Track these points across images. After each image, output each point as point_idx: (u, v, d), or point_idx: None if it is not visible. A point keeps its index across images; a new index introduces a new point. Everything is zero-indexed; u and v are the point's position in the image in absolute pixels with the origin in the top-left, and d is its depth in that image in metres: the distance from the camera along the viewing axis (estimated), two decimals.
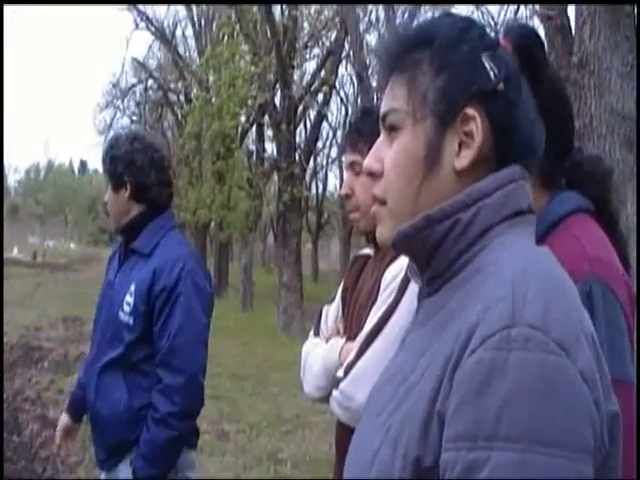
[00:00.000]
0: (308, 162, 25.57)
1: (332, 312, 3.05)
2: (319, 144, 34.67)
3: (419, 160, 1.38)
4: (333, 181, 55.51)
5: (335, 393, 2.60)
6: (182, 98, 36.91)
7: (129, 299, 3.50)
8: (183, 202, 27.47)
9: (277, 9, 22.40)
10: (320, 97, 25.94)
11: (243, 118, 28.09)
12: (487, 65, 1.37)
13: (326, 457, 8.14)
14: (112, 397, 3.51)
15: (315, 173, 46.15)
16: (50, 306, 22.12)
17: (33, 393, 10.97)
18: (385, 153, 1.44)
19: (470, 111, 1.36)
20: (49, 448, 8.24)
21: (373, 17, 24.39)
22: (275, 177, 27.52)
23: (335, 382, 2.62)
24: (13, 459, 8.02)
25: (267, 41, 22.05)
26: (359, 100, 40.30)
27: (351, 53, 20.18)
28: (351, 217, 2.84)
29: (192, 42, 37.02)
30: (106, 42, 61.99)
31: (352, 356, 2.56)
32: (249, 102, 24.00)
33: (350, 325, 2.83)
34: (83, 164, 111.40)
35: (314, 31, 25.05)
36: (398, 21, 16.58)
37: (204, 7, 32.87)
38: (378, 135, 1.50)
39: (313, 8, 24.28)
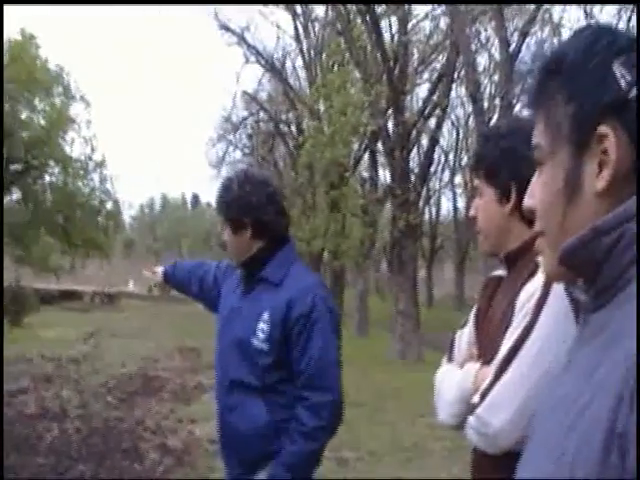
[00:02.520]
0: (422, 187, 25.37)
1: (465, 336, 2.97)
2: (431, 169, 34.45)
3: (559, 191, 1.35)
4: (446, 205, 55.25)
5: (471, 419, 2.50)
6: (294, 129, 37.05)
7: (263, 326, 3.65)
8: (297, 233, 27.46)
9: (387, 35, 22.33)
10: (432, 121, 25.70)
11: (355, 146, 28.10)
12: (617, 73, 1.27)
13: None
14: (250, 413, 3.67)
15: (428, 198, 45.81)
16: (166, 337, 22.27)
17: (153, 423, 10.94)
18: (536, 189, 1.45)
19: (603, 129, 1.26)
20: (170, 476, 8.33)
21: (483, 37, 24.27)
22: (388, 204, 27.40)
23: (470, 408, 2.51)
24: None
25: (378, 67, 21.97)
26: (471, 122, 39.95)
27: (462, 75, 19.96)
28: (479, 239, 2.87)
29: (302, 73, 37.21)
30: (217, 77, 63.11)
31: (488, 381, 2.47)
32: (361, 129, 23.95)
33: (484, 349, 2.73)
34: (196, 197, 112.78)
35: (424, 56, 24.95)
36: (512, 45, 16.16)
37: (313, 37, 33.05)
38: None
39: (422, 33, 24.23)
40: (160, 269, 4.77)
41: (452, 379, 2.72)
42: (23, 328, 24.03)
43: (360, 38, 22.72)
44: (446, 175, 50.63)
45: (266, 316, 3.64)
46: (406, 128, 20.84)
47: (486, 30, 23.79)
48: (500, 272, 2.90)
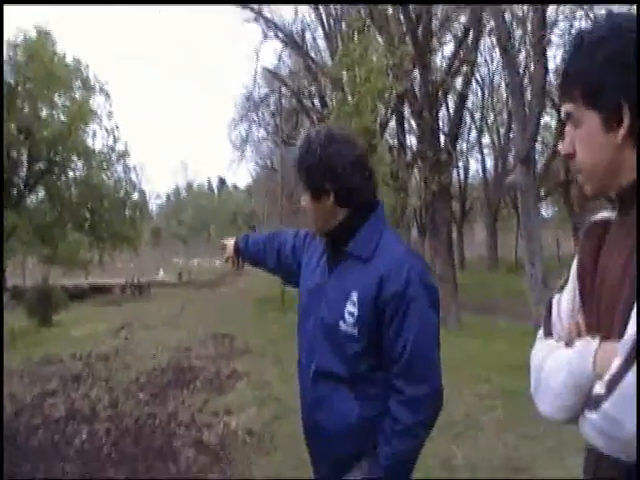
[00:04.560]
0: (454, 147, 24.84)
1: (566, 302, 2.32)
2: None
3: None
4: (474, 166, 54.89)
5: (594, 417, 1.88)
6: (317, 102, 36.56)
7: (351, 309, 3.25)
8: None
9: None
10: (459, 80, 25.12)
11: (382, 112, 27.47)
12: None
13: (504, 461, 7.76)
14: (340, 409, 3.32)
15: (455, 159, 45.40)
16: (198, 325, 21.76)
17: (187, 417, 10.34)
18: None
19: None
20: (208, 475, 7.80)
21: None
22: (415, 168, 27.00)
23: (591, 401, 1.90)
24: None
25: (400, 29, 21.38)
26: (496, 80, 39.00)
27: (488, 29, 19.28)
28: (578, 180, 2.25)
29: (322, 44, 36.63)
30: (236, 55, 62.68)
31: (616, 366, 1.82)
32: (386, 94, 23.38)
33: (598, 318, 2.10)
34: (222, 181, 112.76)
35: (448, 12, 24.29)
36: None
37: (332, 7, 32.42)
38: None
39: None
40: (231, 242, 4.45)
41: (559, 360, 2.08)
42: (54, 327, 23.60)
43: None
44: (473, 136, 50.01)
45: (355, 296, 3.23)
46: (434, 87, 20.30)
47: None
48: (605, 214, 2.28)
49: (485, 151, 52.25)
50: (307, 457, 3.62)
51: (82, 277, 40.88)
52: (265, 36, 35.56)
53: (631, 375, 1.76)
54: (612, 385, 1.81)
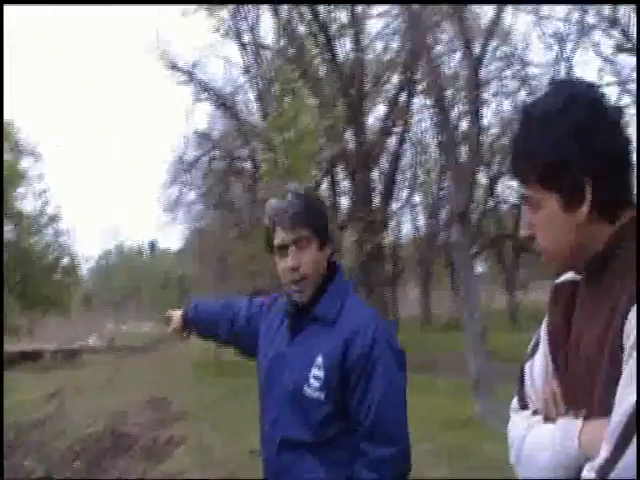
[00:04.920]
0: (387, 208, 25.08)
1: (539, 367, 2.27)
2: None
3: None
4: (405, 225, 55.39)
5: None
6: (249, 164, 36.68)
7: (317, 373, 3.19)
8: (259, 268, 27.05)
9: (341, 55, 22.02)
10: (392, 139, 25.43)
11: (315, 173, 27.64)
12: None
13: None
14: (305, 475, 3.20)
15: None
16: (133, 390, 21.41)
17: None
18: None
19: None
20: None
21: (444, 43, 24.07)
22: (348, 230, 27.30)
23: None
24: None
25: (333, 90, 21.56)
26: (428, 137, 39.50)
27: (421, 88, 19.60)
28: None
29: (254, 106, 36.82)
30: (167, 117, 62.79)
31: (606, 452, 1.79)
32: (319, 157, 23.48)
33: (575, 385, 2.04)
34: (152, 244, 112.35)
35: (380, 73, 24.58)
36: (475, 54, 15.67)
37: (264, 68, 32.68)
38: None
39: (376, 52, 23.92)
40: (178, 313, 4.21)
41: (542, 438, 2.04)
42: None
43: (313, 62, 22.42)
44: (403, 195, 50.49)
45: (320, 360, 3.19)
46: (368, 148, 20.48)
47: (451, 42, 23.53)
48: (569, 276, 2.25)
49: (416, 210, 52.80)
50: None
51: (11, 343, 40.30)
52: (197, 98, 35.72)
53: (623, 463, 1.73)
54: (603, 472, 1.77)
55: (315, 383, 3.17)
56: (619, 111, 1.99)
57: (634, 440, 1.71)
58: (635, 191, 1.96)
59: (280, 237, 3.27)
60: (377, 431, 3.09)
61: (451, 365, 21.17)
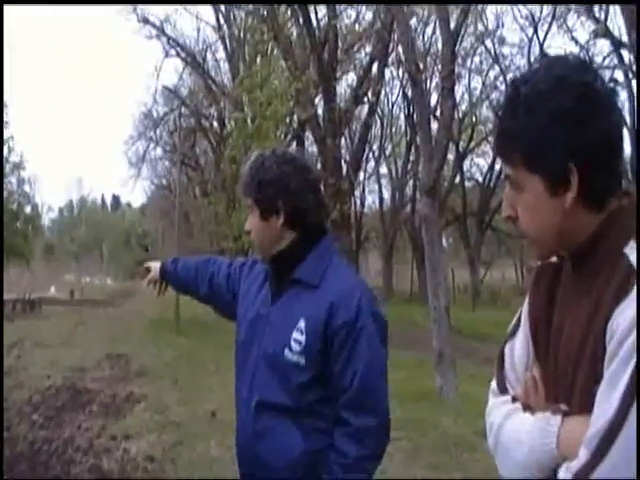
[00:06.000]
0: (355, 176, 24.97)
1: (519, 350, 2.21)
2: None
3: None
4: (370, 196, 55.19)
5: None
6: (216, 123, 36.45)
7: (298, 336, 3.15)
8: (223, 229, 26.94)
9: (314, 21, 21.84)
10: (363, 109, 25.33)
11: (283, 137, 27.52)
12: None
13: None
14: (282, 442, 3.19)
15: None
16: (93, 344, 21.34)
17: (84, 441, 10.00)
18: None
19: None
20: None
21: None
22: None
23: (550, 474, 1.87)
24: None
25: (305, 55, 21.45)
26: (395, 109, 39.46)
27: (402, 56, 19.44)
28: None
29: (224, 65, 36.53)
30: (136, 72, 62.20)
31: (585, 456, 1.76)
32: (288, 119, 23.42)
33: (555, 375, 2.02)
34: (116, 199, 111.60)
35: (353, 41, 24.46)
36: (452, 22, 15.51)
37: (235, 27, 32.37)
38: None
39: (353, 16, 23.82)
40: (156, 264, 4.19)
41: (519, 430, 2.00)
42: None
43: (286, 25, 22.29)
44: (370, 166, 50.37)
45: (302, 324, 3.16)
46: (338, 115, 20.38)
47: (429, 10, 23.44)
48: (553, 259, 2.14)
49: (383, 182, 52.67)
50: None
51: None
52: (166, 54, 35.44)
53: (599, 470, 1.72)
54: (581, 477, 1.77)
55: (296, 347, 3.15)
56: (611, 95, 1.90)
57: (613, 448, 1.70)
58: (625, 179, 1.94)
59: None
60: (360, 401, 3.08)
61: (412, 339, 21.28)
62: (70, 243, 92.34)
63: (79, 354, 19.24)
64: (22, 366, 16.95)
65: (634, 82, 24.54)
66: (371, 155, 48.04)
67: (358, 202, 52.23)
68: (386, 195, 52.34)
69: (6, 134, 41.88)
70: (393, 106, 46.40)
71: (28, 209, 44.31)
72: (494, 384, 2.22)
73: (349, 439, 3.07)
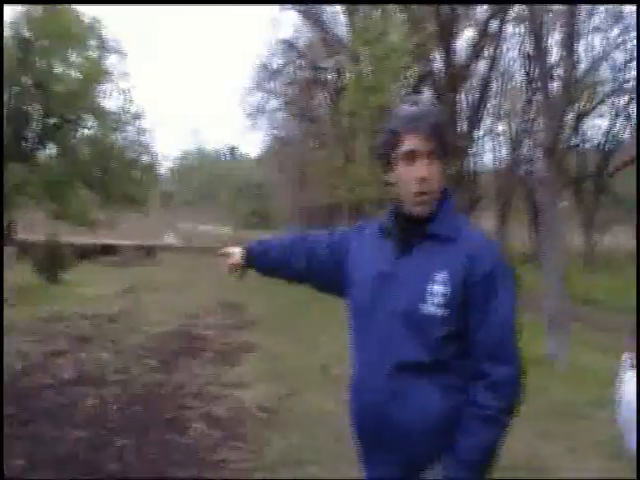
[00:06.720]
0: (472, 133, 24.69)
1: None
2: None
3: None
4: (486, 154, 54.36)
5: None
6: (332, 76, 36.38)
7: (438, 289, 3.00)
8: (338, 181, 26.91)
9: None
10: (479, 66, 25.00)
11: (400, 91, 27.34)
12: None
13: None
14: (419, 402, 3.03)
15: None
16: (206, 292, 21.68)
17: (195, 388, 10.24)
18: None
19: None
20: (221, 453, 7.51)
21: None
22: None
23: None
24: (180, 463, 7.19)
25: (425, 9, 21.24)
26: (516, 65, 38.99)
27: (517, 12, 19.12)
28: None
29: (342, 18, 36.35)
30: (253, 24, 62.24)
31: None
32: (405, 74, 23.22)
33: None
34: (232, 149, 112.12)
35: None
36: None
37: None
38: None
39: None
40: (235, 249, 3.91)
41: None
42: (61, 285, 23.46)
43: None
44: (487, 123, 49.71)
45: (441, 277, 3.01)
46: (457, 70, 20.15)
47: None
48: None
49: (498, 140, 51.85)
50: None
51: (91, 237, 40.69)
52: (283, 7, 35.43)
53: None
54: None
55: (434, 299, 3.02)
56: None
57: None
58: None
59: (412, 144, 3.10)
60: (499, 352, 3.00)
61: (524, 300, 21.16)
62: (186, 192, 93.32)
63: (193, 301, 19.61)
64: (137, 311, 17.31)
65: None
66: (486, 113, 47.51)
67: (473, 160, 51.80)
68: (503, 153, 51.63)
69: (126, 85, 42.56)
70: (511, 63, 45.70)
71: (146, 158, 44.87)
72: (626, 356, 2.17)
73: (490, 391, 2.98)
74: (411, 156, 3.10)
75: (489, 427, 2.97)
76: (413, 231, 3.17)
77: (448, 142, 3.18)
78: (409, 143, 3.10)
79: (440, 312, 3.00)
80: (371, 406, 3.18)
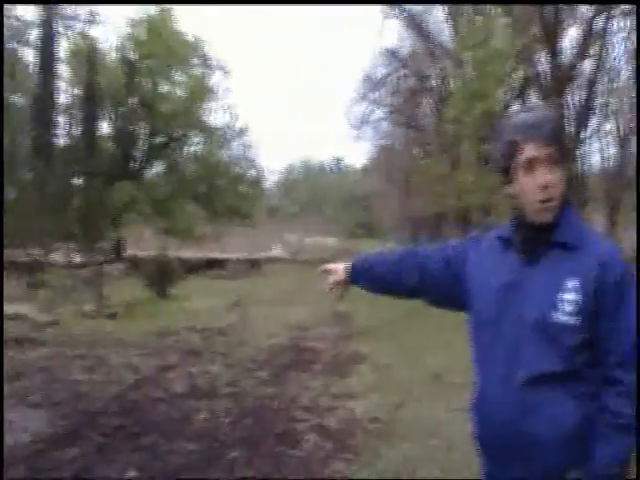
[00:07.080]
0: (579, 134, 24.29)
1: None
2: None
3: None
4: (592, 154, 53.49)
5: None
6: (437, 84, 36.30)
7: (569, 297, 2.94)
8: (447, 189, 26.76)
9: None
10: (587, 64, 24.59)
11: (505, 96, 27.09)
12: None
13: None
14: (554, 412, 2.97)
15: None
16: (314, 303, 21.65)
17: (306, 400, 10.21)
18: None
19: None
20: (332, 465, 7.45)
21: None
22: None
23: None
24: (292, 475, 7.17)
25: (529, 11, 20.98)
26: (622, 62, 38.20)
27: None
28: None
29: (445, 25, 36.26)
30: (355, 35, 62.45)
31: None
32: (509, 78, 22.99)
33: None
34: (337, 160, 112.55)
35: None
36: None
37: None
38: None
39: None
40: (337, 266, 3.82)
41: None
42: (169, 299, 23.74)
43: None
44: (593, 122, 48.91)
45: (572, 284, 2.95)
46: (563, 72, 19.85)
47: None
48: None
49: (606, 139, 50.97)
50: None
51: (196, 250, 41.22)
52: (386, 16, 35.42)
53: None
54: None
55: (567, 308, 2.97)
56: None
57: None
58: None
59: (531, 152, 3.01)
60: (630, 359, 2.94)
61: None
62: (292, 205, 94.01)
63: (301, 312, 19.60)
64: (245, 325, 17.38)
65: None
66: (592, 112, 46.77)
67: (582, 161, 51.05)
68: (610, 153, 50.81)
69: (230, 102, 43.14)
70: (617, 60, 44.80)
71: (251, 173, 45.43)
72: None
73: (623, 398, 2.92)
74: (531, 164, 3.02)
75: (624, 435, 2.89)
76: (538, 239, 3.10)
77: (566, 147, 3.25)
78: (529, 151, 3.01)
79: (573, 320, 2.95)
80: (503, 424, 3.11)
